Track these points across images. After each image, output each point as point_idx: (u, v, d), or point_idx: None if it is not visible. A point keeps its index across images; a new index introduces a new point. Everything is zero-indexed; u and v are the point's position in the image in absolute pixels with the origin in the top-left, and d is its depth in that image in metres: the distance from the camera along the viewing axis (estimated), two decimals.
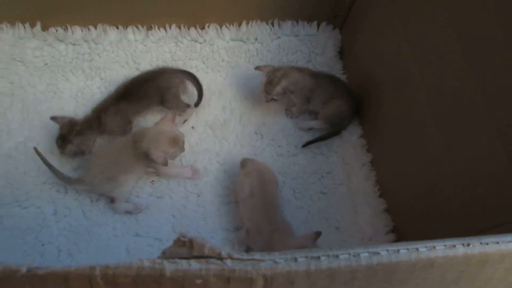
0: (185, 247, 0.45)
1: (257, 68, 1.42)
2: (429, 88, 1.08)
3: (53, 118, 1.30)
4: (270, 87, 1.36)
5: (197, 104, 1.44)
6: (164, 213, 1.29)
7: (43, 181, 1.29)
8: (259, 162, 1.30)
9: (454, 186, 0.99)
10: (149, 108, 1.40)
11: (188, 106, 1.42)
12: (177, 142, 1.25)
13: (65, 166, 1.32)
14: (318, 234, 1.09)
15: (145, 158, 1.22)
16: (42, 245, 1.21)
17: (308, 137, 1.45)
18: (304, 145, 1.41)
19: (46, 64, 1.48)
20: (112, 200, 1.26)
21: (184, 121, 1.43)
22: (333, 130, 1.43)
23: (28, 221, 1.23)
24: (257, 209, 1.17)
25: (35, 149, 1.22)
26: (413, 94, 1.15)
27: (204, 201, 1.32)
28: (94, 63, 1.49)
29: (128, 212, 1.27)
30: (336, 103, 1.40)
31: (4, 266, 0.45)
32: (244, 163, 1.27)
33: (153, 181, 1.33)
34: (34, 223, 1.23)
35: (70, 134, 1.27)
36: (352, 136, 1.45)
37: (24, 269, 0.45)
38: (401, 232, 1.21)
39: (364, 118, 1.45)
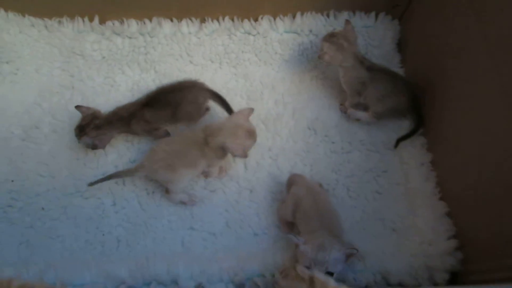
0: (305, 283, 0.43)
1: (346, 21, 1.36)
2: (504, 84, 1.00)
3: (78, 107, 1.32)
4: (327, 37, 1.34)
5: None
6: (217, 207, 1.30)
7: (102, 173, 1.33)
8: (307, 177, 1.27)
9: None
10: (173, 118, 1.33)
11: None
12: (252, 135, 1.24)
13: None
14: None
15: (219, 152, 1.22)
16: (103, 235, 1.25)
17: (362, 132, 1.41)
18: (396, 145, 1.36)
19: (103, 57, 1.51)
20: (167, 191, 1.28)
21: None
22: (418, 127, 1.35)
23: (89, 211, 1.28)
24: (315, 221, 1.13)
25: (91, 184, 1.26)
26: (484, 91, 1.08)
27: (257, 197, 1.32)
28: (149, 56, 1.51)
29: (183, 203, 1.29)
30: (390, 102, 1.35)
31: None
32: (292, 178, 1.25)
33: (206, 175, 1.34)
34: (95, 214, 1.28)
35: (88, 126, 1.28)
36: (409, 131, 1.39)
37: None
38: (464, 238, 1.15)
39: (424, 116, 1.38)
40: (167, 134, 1.37)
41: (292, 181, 1.26)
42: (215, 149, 1.22)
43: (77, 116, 1.40)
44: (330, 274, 1.01)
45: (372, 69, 1.35)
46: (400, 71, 1.48)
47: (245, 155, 1.21)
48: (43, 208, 1.27)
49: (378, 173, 1.36)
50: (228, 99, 1.43)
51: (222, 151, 1.22)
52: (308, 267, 1.00)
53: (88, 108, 1.33)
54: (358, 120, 1.42)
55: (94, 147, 1.31)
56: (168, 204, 1.30)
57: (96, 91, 1.46)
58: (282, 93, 1.48)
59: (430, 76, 1.34)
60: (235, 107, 1.44)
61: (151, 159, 1.24)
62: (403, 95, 1.34)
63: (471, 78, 1.15)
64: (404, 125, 1.40)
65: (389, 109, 1.36)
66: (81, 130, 1.29)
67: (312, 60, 1.52)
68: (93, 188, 1.30)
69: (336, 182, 1.34)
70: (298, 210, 1.17)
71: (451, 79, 1.24)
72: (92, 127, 1.29)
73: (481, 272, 1.07)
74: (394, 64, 1.50)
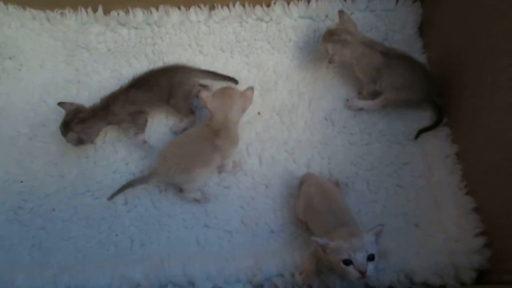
0: None
1: (340, 12, 1.31)
2: None
3: (61, 104, 1.26)
4: (327, 38, 1.29)
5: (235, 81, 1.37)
6: (232, 204, 1.26)
7: (112, 171, 1.30)
8: (318, 176, 1.23)
9: None
10: (159, 101, 1.30)
11: (192, 112, 1.33)
12: (244, 95, 1.23)
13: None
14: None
15: (228, 138, 1.20)
16: (116, 235, 1.22)
17: (382, 123, 1.34)
18: (417, 137, 1.30)
19: (109, 50, 1.45)
20: (181, 190, 1.24)
21: (183, 130, 1.33)
22: (440, 119, 1.28)
23: (100, 211, 1.25)
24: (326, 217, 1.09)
25: (110, 197, 1.22)
26: None
27: (272, 192, 1.27)
28: (157, 47, 1.45)
29: (196, 201, 1.25)
30: (407, 93, 1.28)
31: None
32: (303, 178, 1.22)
33: (220, 171, 1.29)
34: (107, 213, 1.25)
35: (72, 121, 1.23)
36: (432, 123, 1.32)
37: None
38: (494, 235, 1.10)
39: (448, 105, 1.30)
40: (146, 122, 1.33)
41: (303, 180, 1.21)
42: (224, 137, 1.18)
43: None
44: (372, 258, 0.96)
45: (387, 54, 1.28)
46: (422, 57, 1.40)
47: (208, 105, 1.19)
48: (53, 209, 1.25)
49: (400, 165, 1.29)
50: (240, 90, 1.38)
51: (230, 134, 1.19)
52: (348, 261, 0.95)
53: (71, 104, 1.27)
54: (360, 109, 1.35)
55: (80, 141, 1.25)
56: (182, 202, 1.26)
57: (102, 86, 1.40)
58: (297, 82, 1.41)
59: (456, 62, 1.26)
60: None
61: (165, 165, 1.19)
62: (420, 85, 1.26)
63: (501, 64, 1.07)
64: (426, 115, 1.33)
65: (402, 100, 1.29)
66: (65, 126, 1.23)
67: None
68: (104, 187, 1.27)
69: (355, 175, 1.29)
70: (309, 210, 1.13)
71: (479, 65, 1.16)
72: (77, 122, 1.23)
73: None
74: (415, 50, 1.41)
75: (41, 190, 1.27)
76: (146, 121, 1.33)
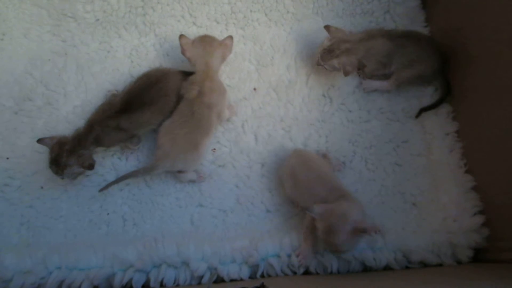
0: None
1: (326, 27, 1.25)
2: None
3: (40, 141, 1.14)
4: (328, 56, 1.22)
5: None
6: (227, 183, 1.23)
7: (103, 148, 1.24)
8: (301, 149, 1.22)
9: None
10: (160, 117, 1.19)
11: None
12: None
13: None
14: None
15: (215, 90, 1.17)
16: (107, 214, 1.19)
17: (382, 100, 1.30)
18: (418, 115, 1.26)
19: (97, 19, 1.37)
20: (180, 172, 1.19)
21: None
22: (445, 95, 1.25)
23: (91, 189, 1.21)
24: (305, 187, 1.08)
25: (101, 190, 1.14)
26: None
27: (268, 171, 1.24)
28: (148, 17, 1.37)
29: (191, 181, 1.21)
30: (417, 68, 1.24)
31: None
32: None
33: (214, 149, 1.26)
34: (97, 192, 1.20)
35: (61, 156, 1.11)
36: (434, 100, 1.28)
37: None
38: (492, 214, 1.09)
39: (449, 77, 1.26)
40: (139, 141, 1.23)
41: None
42: (210, 90, 1.15)
43: (73, 86, 1.30)
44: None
45: (391, 36, 1.24)
46: (424, 30, 1.35)
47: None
48: (42, 187, 1.20)
49: (398, 143, 1.27)
50: (235, 64, 1.33)
51: (215, 84, 1.17)
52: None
53: (51, 138, 1.15)
54: (375, 90, 1.31)
55: (90, 167, 1.15)
56: (175, 181, 1.22)
57: (91, 58, 1.34)
58: (295, 57, 1.36)
59: (459, 36, 1.21)
60: (243, 73, 1.33)
61: (172, 151, 1.12)
62: (430, 58, 1.22)
63: (506, 38, 1.02)
64: (427, 91, 1.30)
65: (415, 75, 1.25)
66: (57, 164, 1.12)
67: (327, 19, 1.38)
68: (95, 164, 1.22)
69: (354, 153, 1.26)
70: (296, 185, 1.11)
71: (484, 40, 1.12)
72: (66, 155, 1.12)
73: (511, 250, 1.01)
74: (418, 23, 1.36)
75: (29, 167, 1.22)
76: (139, 141, 1.23)
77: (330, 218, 0.97)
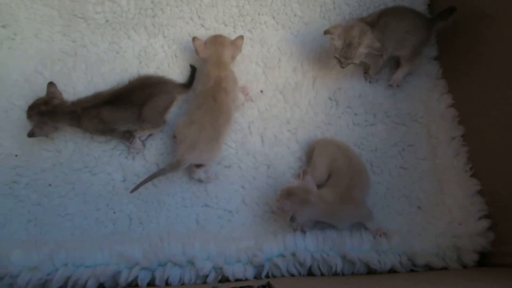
0: None
1: (326, 32, 1.21)
2: None
3: (48, 85, 1.20)
4: (351, 51, 1.18)
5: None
6: (233, 184, 1.24)
7: (111, 147, 1.26)
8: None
9: None
10: (135, 120, 1.19)
11: (164, 122, 1.25)
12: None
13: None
14: None
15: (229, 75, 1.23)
16: (114, 212, 1.20)
17: (388, 103, 1.31)
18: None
19: (107, 20, 1.38)
20: (198, 166, 1.19)
21: (149, 135, 1.26)
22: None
23: (98, 188, 1.22)
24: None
25: (132, 191, 1.15)
26: None
27: (274, 173, 1.25)
28: (157, 19, 1.39)
29: (200, 181, 1.22)
30: (411, 40, 1.22)
31: None
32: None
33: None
34: (105, 190, 1.22)
35: (33, 109, 1.16)
36: (440, 104, 1.29)
37: None
38: (497, 218, 1.09)
39: (456, 82, 1.26)
40: (127, 135, 1.22)
41: (314, 146, 1.21)
42: (225, 76, 1.20)
43: (82, 86, 1.31)
44: None
45: (372, 22, 1.21)
46: (426, 10, 1.38)
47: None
48: (50, 185, 1.21)
49: (404, 147, 1.28)
50: (242, 67, 1.34)
51: (229, 72, 1.23)
52: None
53: (53, 91, 1.19)
54: (400, 82, 1.32)
55: (31, 134, 1.18)
56: (181, 180, 1.23)
57: (100, 58, 1.35)
58: (301, 60, 1.37)
59: (463, 18, 1.21)
60: (250, 75, 1.35)
61: (200, 141, 1.12)
62: (420, 30, 1.23)
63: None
64: (434, 96, 1.30)
65: (415, 44, 1.23)
66: (28, 110, 1.17)
67: (334, 23, 1.39)
68: (102, 163, 1.24)
69: (359, 156, 1.26)
70: (333, 171, 1.15)
71: (489, 27, 1.12)
72: (36, 112, 1.16)
73: None
74: (419, 2, 1.39)
75: (37, 165, 1.23)
76: (123, 133, 1.22)
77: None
